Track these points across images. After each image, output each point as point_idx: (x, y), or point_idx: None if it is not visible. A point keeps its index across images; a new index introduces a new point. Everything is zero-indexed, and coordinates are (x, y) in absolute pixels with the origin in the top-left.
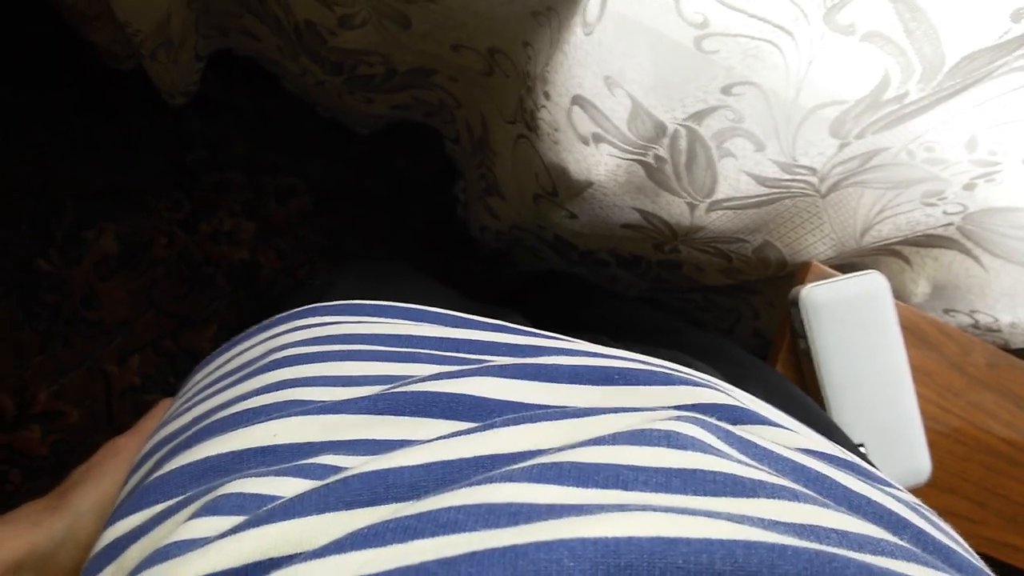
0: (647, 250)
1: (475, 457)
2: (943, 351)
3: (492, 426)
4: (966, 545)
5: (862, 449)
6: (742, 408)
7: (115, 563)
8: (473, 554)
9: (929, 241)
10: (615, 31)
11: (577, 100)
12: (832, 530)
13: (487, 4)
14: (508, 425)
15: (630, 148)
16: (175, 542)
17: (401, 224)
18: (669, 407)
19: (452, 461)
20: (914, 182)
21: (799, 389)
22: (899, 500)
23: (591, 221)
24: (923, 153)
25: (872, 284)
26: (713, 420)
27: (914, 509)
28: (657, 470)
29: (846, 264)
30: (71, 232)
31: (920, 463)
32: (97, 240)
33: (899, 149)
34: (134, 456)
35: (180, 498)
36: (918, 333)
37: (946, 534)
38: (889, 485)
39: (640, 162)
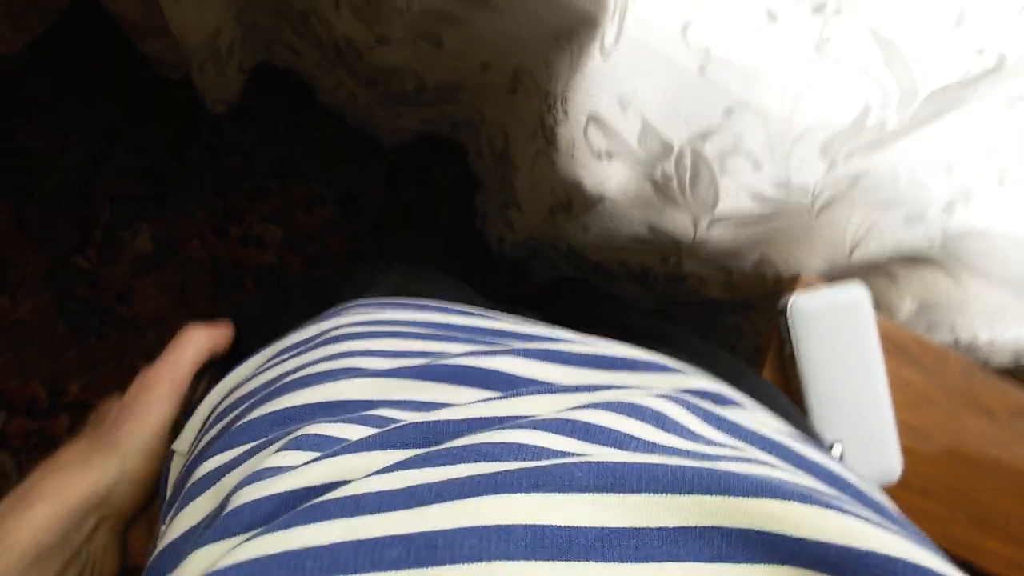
0: (654, 263)
1: (504, 416)
2: (920, 361)
3: (518, 394)
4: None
5: (838, 446)
6: (723, 394)
7: (213, 488)
8: (508, 471)
9: (913, 260)
10: (629, 56)
11: (592, 118)
12: (779, 478)
13: (514, 26)
14: (532, 394)
15: (639, 165)
16: (267, 467)
17: (423, 234)
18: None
19: (486, 418)
20: (898, 203)
21: (782, 395)
22: (847, 472)
23: (603, 233)
24: (906, 176)
25: (854, 295)
26: (696, 401)
27: (860, 480)
28: (646, 441)
29: (836, 280)
30: (109, 231)
31: (892, 463)
32: (133, 239)
33: (884, 172)
34: (164, 390)
35: (264, 439)
36: (897, 343)
37: (881, 496)
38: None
39: (648, 178)
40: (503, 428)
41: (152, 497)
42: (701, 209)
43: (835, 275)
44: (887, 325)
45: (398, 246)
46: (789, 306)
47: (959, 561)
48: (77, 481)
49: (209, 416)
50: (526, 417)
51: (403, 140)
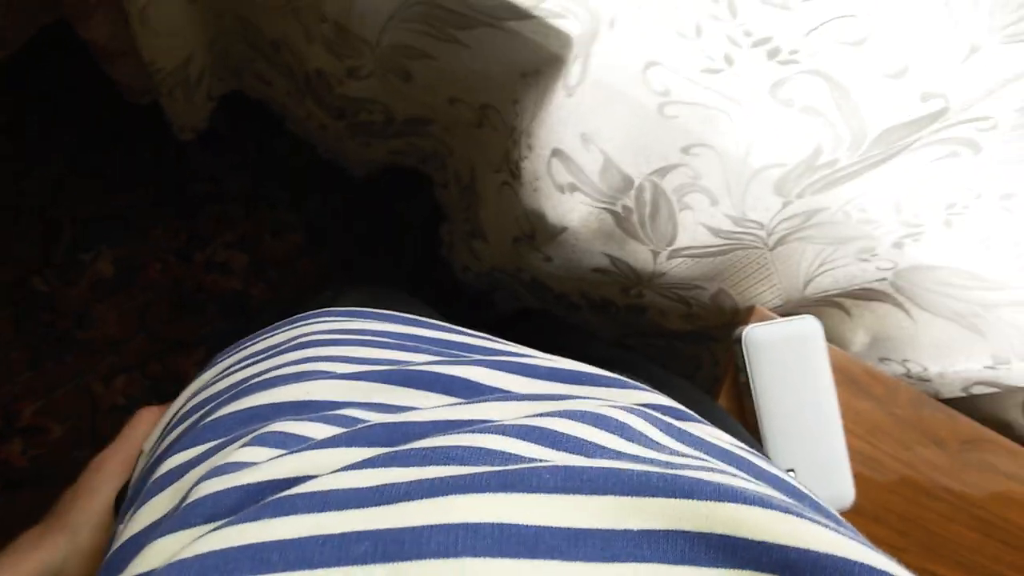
0: (615, 294)
1: (470, 420)
2: (871, 392)
3: (484, 399)
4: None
5: (791, 474)
6: (683, 410)
7: (175, 485)
8: (477, 473)
9: (866, 294)
10: (592, 94)
11: (556, 153)
12: (741, 486)
13: (483, 64)
14: (497, 400)
15: (601, 198)
16: (230, 462)
17: (389, 263)
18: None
19: (451, 421)
20: (850, 239)
21: (738, 423)
22: (803, 487)
23: (565, 264)
24: (857, 213)
25: (807, 327)
26: (658, 415)
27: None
28: (611, 450)
29: (791, 312)
30: (69, 253)
31: (844, 489)
32: (94, 262)
33: (836, 209)
34: (114, 468)
35: (229, 437)
36: (848, 375)
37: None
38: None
39: (610, 211)
40: (471, 431)
41: None
42: (660, 241)
43: (790, 308)
44: (839, 356)
45: (364, 274)
46: (744, 336)
47: None
48: (27, 559)
49: (172, 418)
50: (493, 422)
51: (371, 171)
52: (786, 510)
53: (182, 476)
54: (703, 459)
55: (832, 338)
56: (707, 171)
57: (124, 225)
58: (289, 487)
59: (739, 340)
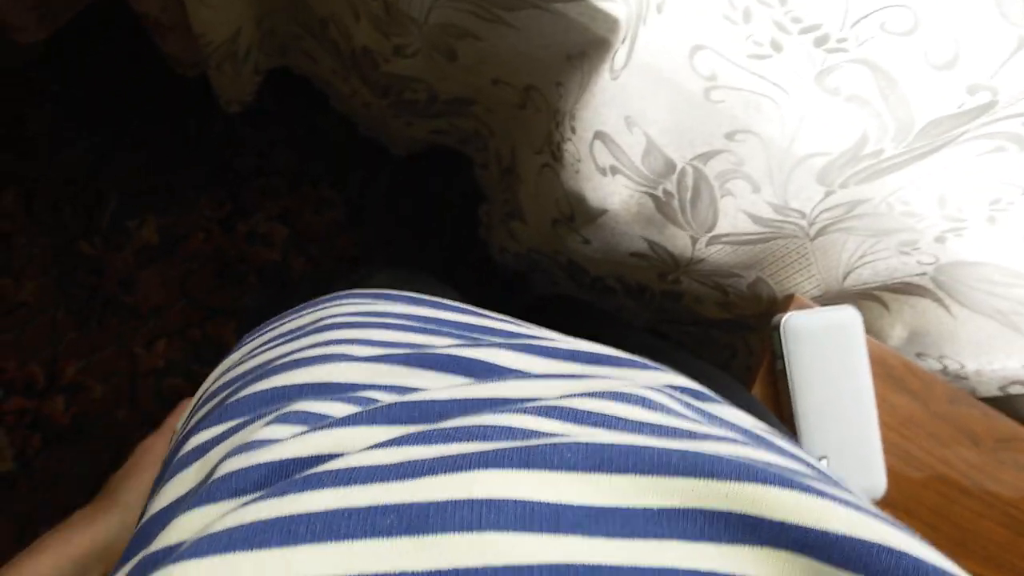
0: (652, 279)
1: (489, 398)
2: (907, 385)
3: (504, 379)
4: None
5: (824, 461)
6: (702, 391)
7: (200, 461)
8: (499, 451)
9: (905, 288)
10: (638, 77)
11: (599, 135)
12: (763, 461)
13: (528, 45)
14: (517, 379)
15: (642, 181)
16: (255, 440)
17: (427, 242)
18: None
19: (470, 399)
20: (891, 232)
21: (767, 410)
22: (826, 468)
23: (603, 247)
24: (900, 206)
25: (846, 317)
26: (678, 395)
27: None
28: (633, 421)
29: (829, 304)
30: (115, 220)
31: (877, 480)
32: (139, 229)
33: (879, 201)
34: (162, 451)
35: (253, 415)
36: (885, 367)
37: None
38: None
39: (650, 195)
40: (493, 412)
41: None
42: (700, 227)
43: (828, 299)
44: (877, 348)
45: (402, 253)
46: (783, 323)
47: None
48: (80, 536)
49: (201, 397)
50: (514, 401)
51: (412, 150)
52: (806, 488)
53: (207, 453)
54: (725, 434)
55: (869, 331)
56: (750, 158)
57: (170, 195)
58: (313, 464)
59: (778, 327)
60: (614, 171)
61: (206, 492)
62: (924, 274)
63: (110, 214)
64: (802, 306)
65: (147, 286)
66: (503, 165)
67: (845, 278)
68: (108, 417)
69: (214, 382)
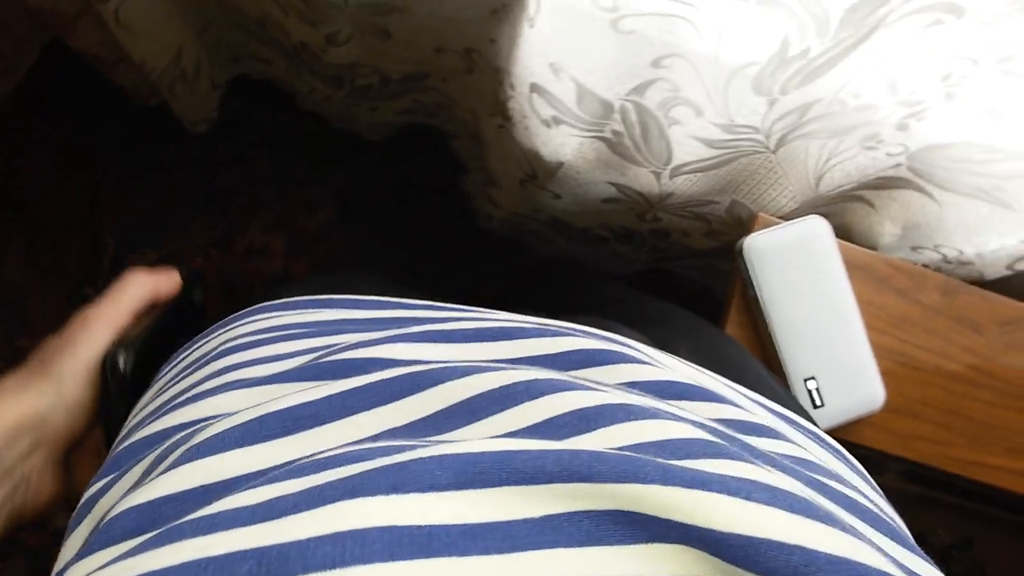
0: (632, 221)
1: (344, 391)
2: (894, 284)
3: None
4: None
5: (812, 383)
6: (664, 382)
7: (90, 515)
8: (366, 472)
9: (885, 183)
10: (551, 22)
11: (534, 88)
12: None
13: (451, 8)
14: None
15: (586, 127)
16: (134, 483)
17: (419, 223)
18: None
19: (334, 395)
20: (850, 129)
21: (744, 349)
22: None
23: (574, 199)
24: (852, 101)
25: (812, 227)
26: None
27: (835, 452)
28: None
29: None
30: (115, 261)
31: (873, 390)
32: (139, 264)
33: (829, 100)
34: (102, 325)
35: (135, 460)
36: (867, 270)
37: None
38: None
39: (600, 139)
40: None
41: (90, 427)
42: (658, 161)
43: (808, 209)
44: (855, 253)
45: (397, 239)
46: (745, 246)
47: (960, 479)
48: (10, 404)
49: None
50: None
51: (385, 134)
52: (690, 483)
53: (95, 505)
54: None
55: (861, 233)
56: (683, 82)
57: (162, 224)
58: (184, 500)
59: (740, 252)
60: (557, 121)
61: (87, 545)
62: (899, 165)
63: (110, 256)
64: (767, 224)
65: None
66: (470, 132)
67: (818, 184)
68: None
69: (127, 424)
